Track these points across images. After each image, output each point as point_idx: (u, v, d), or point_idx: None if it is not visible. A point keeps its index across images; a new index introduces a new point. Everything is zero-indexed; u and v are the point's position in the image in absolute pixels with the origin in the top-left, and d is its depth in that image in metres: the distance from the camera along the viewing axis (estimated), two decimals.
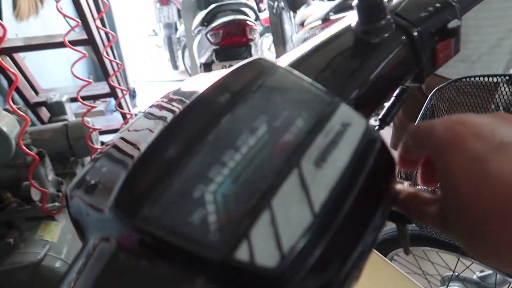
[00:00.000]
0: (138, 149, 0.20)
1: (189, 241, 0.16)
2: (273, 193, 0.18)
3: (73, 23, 1.34)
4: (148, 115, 0.24)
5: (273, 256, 0.16)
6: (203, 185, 0.18)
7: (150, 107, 0.25)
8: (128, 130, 0.23)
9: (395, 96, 0.34)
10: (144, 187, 0.18)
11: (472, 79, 0.78)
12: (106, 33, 1.72)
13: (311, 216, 0.18)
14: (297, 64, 0.27)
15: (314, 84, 0.24)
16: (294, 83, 0.24)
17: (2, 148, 1.07)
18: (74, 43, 1.41)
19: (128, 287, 0.17)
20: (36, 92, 1.75)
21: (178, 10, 4.05)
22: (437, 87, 0.78)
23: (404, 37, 0.29)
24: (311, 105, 0.23)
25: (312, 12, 2.22)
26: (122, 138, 0.22)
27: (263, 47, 3.80)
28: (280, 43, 3.16)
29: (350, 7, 1.99)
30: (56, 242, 1.19)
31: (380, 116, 0.35)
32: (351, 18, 0.30)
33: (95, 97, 1.87)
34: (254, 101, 0.22)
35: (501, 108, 0.98)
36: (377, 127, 0.35)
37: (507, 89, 0.82)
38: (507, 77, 0.80)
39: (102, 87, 1.82)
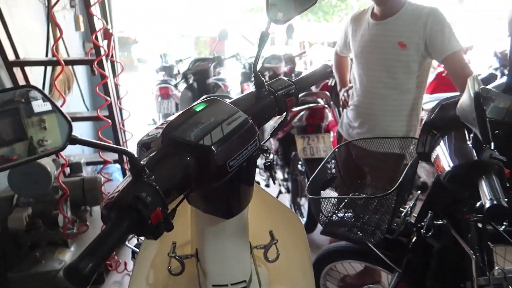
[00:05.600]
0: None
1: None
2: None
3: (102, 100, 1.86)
4: None
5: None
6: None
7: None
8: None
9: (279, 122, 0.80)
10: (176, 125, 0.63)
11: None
12: (121, 110, 2.25)
13: None
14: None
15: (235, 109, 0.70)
16: (225, 107, 0.70)
17: (45, 183, 1.47)
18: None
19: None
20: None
21: (176, 104, 4.73)
22: (336, 146, 1.26)
23: (272, 96, 0.76)
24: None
25: None
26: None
27: None
28: None
29: (302, 103, 2.53)
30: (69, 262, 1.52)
31: (271, 132, 0.82)
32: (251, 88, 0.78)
33: (106, 162, 2.30)
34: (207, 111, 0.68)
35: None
36: (269, 135, 0.81)
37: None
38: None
39: (112, 154, 2.28)
